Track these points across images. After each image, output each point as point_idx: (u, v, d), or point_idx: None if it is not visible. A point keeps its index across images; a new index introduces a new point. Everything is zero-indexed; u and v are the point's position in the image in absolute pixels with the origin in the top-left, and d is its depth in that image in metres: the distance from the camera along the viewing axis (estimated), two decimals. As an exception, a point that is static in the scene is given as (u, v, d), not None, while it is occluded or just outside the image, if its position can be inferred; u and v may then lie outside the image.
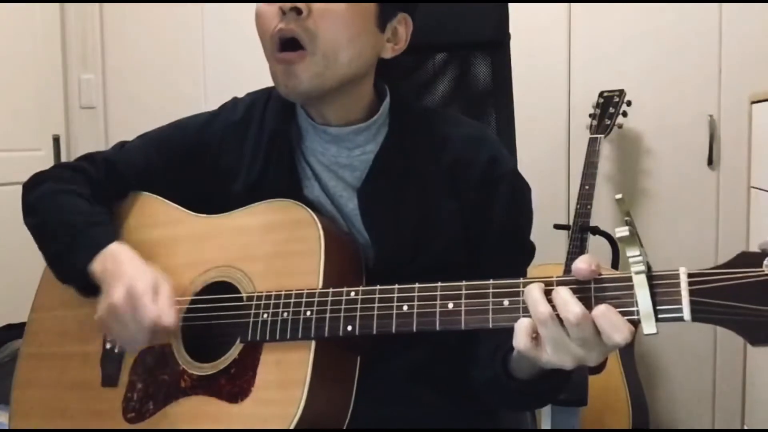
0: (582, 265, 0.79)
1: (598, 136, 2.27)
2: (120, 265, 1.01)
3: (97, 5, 2.89)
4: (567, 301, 0.77)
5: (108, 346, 1.07)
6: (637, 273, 0.75)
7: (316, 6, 0.97)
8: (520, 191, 1.09)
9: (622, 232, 0.75)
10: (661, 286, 0.75)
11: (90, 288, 1.04)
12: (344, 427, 0.96)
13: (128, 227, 1.13)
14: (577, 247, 2.18)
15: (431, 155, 1.07)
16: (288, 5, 0.96)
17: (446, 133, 1.08)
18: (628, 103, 2.30)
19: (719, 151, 2.35)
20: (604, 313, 0.76)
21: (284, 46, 0.98)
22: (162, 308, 0.97)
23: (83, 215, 1.09)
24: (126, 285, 0.97)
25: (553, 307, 0.78)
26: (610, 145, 2.44)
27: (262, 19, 1.01)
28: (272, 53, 1.00)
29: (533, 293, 0.80)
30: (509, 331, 0.84)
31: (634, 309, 0.76)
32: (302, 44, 0.97)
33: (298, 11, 0.96)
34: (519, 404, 1.11)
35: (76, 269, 1.04)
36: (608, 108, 2.29)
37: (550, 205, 2.45)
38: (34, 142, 2.70)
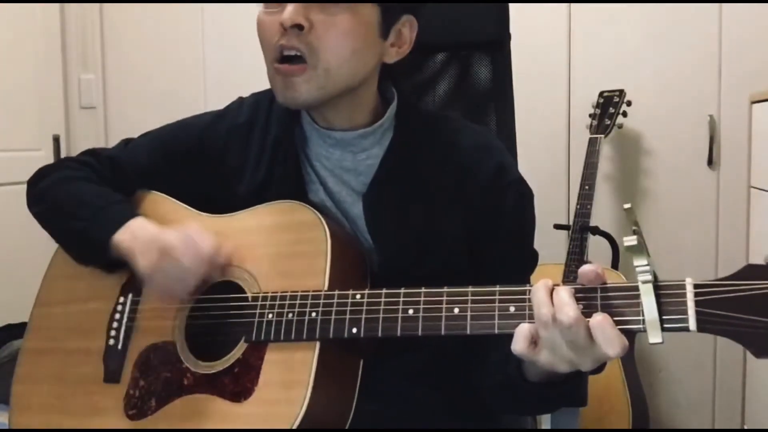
0: (589, 266, 0.80)
1: (598, 136, 2.27)
2: (150, 231, 1.03)
3: (97, 5, 2.89)
4: (565, 303, 0.78)
5: (111, 342, 1.07)
6: (644, 282, 0.76)
7: (317, 20, 0.95)
8: (526, 199, 1.09)
9: (630, 241, 0.75)
10: (667, 296, 0.76)
11: (113, 263, 1.05)
12: (346, 428, 0.96)
13: None
14: (577, 247, 2.18)
15: (437, 161, 1.06)
16: (289, 21, 0.95)
17: (453, 139, 1.08)
18: (628, 103, 2.30)
19: (719, 151, 2.35)
20: (600, 323, 0.76)
21: (284, 58, 0.98)
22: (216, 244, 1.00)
23: (102, 195, 1.10)
24: (177, 229, 1.00)
25: None
26: (610, 145, 2.44)
27: (263, 29, 1.00)
28: (272, 63, 1.00)
29: (539, 294, 0.80)
30: None
31: (640, 318, 0.77)
32: (303, 58, 0.97)
33: (300, 27, 0.95)
34: (531, 408, 1.11)
35: (100, 243, 1.04)
36: (608, 108, 2.29)
37: (550, 205, 2.45)
38: (34, 142, 2.70)
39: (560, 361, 0.80)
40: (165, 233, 1.01)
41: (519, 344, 0.81)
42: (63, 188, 1.12)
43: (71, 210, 1.09)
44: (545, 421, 1.40)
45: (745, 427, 2.17)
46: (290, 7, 0.95)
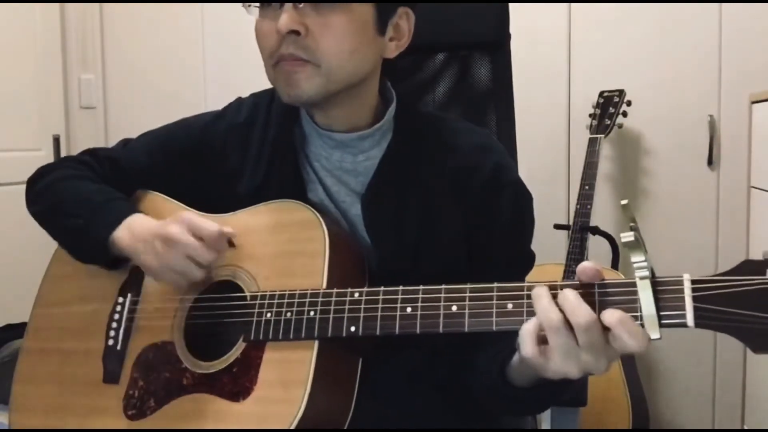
0: (588, 263, 0.79)
1: (598, 136, 2.27)
2: (149, 226, 1.02)
3: (97, 5, 2.89)
4: (576, 305, 0.77)
5: (110, 342, 1.07)
6: (642, 278, 0.76)
7: (312, 24, 0.96)
8: (523, 200, 1.09)
9: (627, 237, 0.75)
10: (664, 292, 0.76)
11: (113, 261, 1.05)
12: (345, 428, 0.96)
13: None
14: (577, 247, 2.18)
15: (436, 162, 1.06)
16: (285, 29, 0.95)
17: (452, 140, 1.08)
18: (628, 103, 2.30)
19: (719, 151, 2.35)
20: (620, 319, 0.75)
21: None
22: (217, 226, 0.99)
23: (101, 193, 1.10)
24: (174, 218, 0.99)
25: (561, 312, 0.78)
26: (610, 145, 2.44)
27: (261, 37, 1.00)
28: (272, 66, 1.00)
29: (542, 301, 0.79)
30: (509, 338, 0.84)
31: (638, 314, 0.76)
32: (305, 58, 0.97)
33: (296, 33, 0.95)
34: (517, 411, 1.10)
35: (99, 241, 1.04)
36: (608, 108, 2.30)
37: (550, 205, 2.45)
38: (34, 142, 2.70)
39: (574, 366, 0.78)
40: (164, 224, 1.00)
41: (528, 346, 0.79)
42: (62, 186, 1.13)
43: (70, 208, 1.09)
44: (545, 421, 1.40)
45: (745, 427, 2.17)
46: (285, 15, 0.95)
